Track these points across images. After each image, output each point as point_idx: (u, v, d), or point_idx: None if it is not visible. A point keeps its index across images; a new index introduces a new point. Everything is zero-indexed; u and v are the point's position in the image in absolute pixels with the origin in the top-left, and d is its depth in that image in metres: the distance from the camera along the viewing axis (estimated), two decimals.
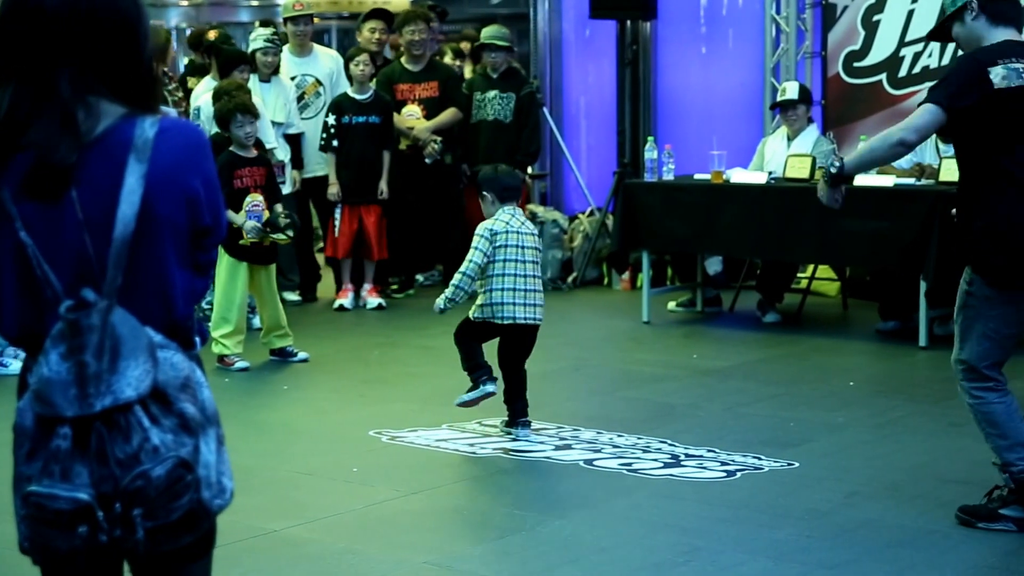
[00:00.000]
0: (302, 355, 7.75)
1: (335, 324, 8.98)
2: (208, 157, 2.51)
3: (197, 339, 2.53)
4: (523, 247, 5.98)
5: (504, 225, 5.98)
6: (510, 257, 5.94)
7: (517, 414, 6.06)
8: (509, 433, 6.06)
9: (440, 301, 6.10)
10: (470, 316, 6.04)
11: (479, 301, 6.00)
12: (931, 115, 4.59)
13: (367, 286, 9.42)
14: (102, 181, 2.37)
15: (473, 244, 5.99)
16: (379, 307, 9.33)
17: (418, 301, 9.76)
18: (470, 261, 5.96)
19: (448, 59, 10.78)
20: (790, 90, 8.73)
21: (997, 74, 4.50)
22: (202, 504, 2.36)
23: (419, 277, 10.15)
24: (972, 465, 5.48)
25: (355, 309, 9.34)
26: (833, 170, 4.79)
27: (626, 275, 9.82)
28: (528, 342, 6.08)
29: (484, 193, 6.14)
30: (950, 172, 7.68)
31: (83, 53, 2.40)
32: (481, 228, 6.01)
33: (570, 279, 10.06)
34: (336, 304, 9.37)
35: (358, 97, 9.26)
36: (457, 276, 6.01)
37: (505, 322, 5.95)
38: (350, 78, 9.39)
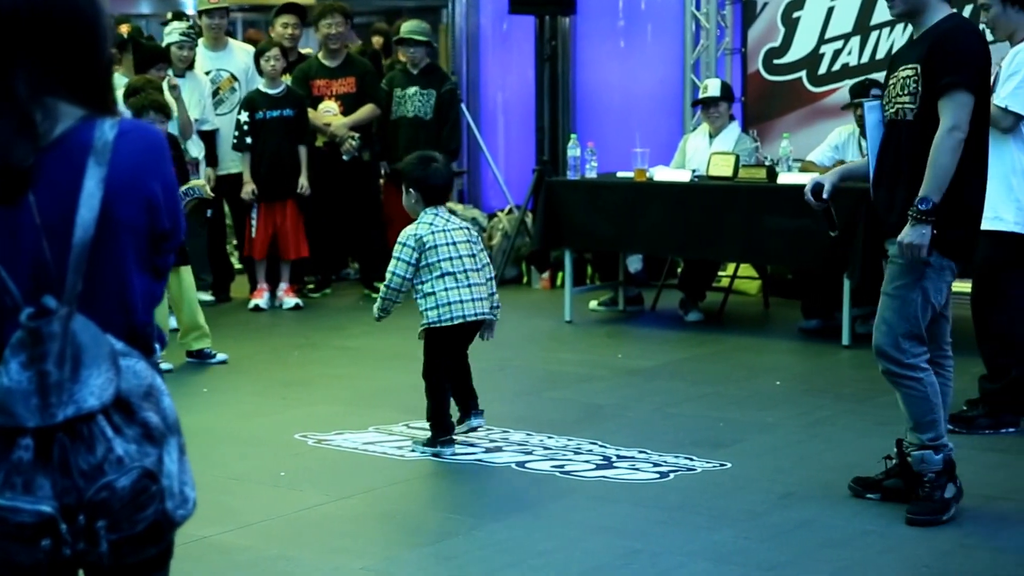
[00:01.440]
0: (221, 356, 7.59)
1: (251, 325, 8.83)
2: (167, 160, 2.45)
3: (157, 345, 2.48)
4: (454, 243, 5.74)
5: (428, 227, 5.73)
6: (443, 256, 5.70)
7: (470, 408, 5.93)
8: (467, 428, 5.92)
9: (374, 311, 5.96)
10: (421, 328, 5.82)
11: (423, 308, 5.79)
12: (969, 103, 4.59)
13: (283, 286, 9.28)
14: (60, 184, 2.30)
15: (395, 254, 5.74)
16: (296, 307, 9.19)
17: (335, 301, 9.67)
18: (393, 274, 5.72)
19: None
20: (712, 87, 8.73)
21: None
22: (166, 515, 2.31)
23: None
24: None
25: (271, 309, 9.20)
26: (924, 207, 4.60)
27: (546, 274, 9.77)
28: (472, 336, 5.91)
29: (409, 190, 5.86)
30: None
31: (40, 53, 2.32)
32: (404, 235, 5.74)
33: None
34: (251, 304, 9.21)
35: (270, 92, 9.11)
36: (383, 289, 5.80)
37: (455, 322, 5.74)
38: (260, 72, 9.22)
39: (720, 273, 9.26)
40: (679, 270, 9.44)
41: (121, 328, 2.35)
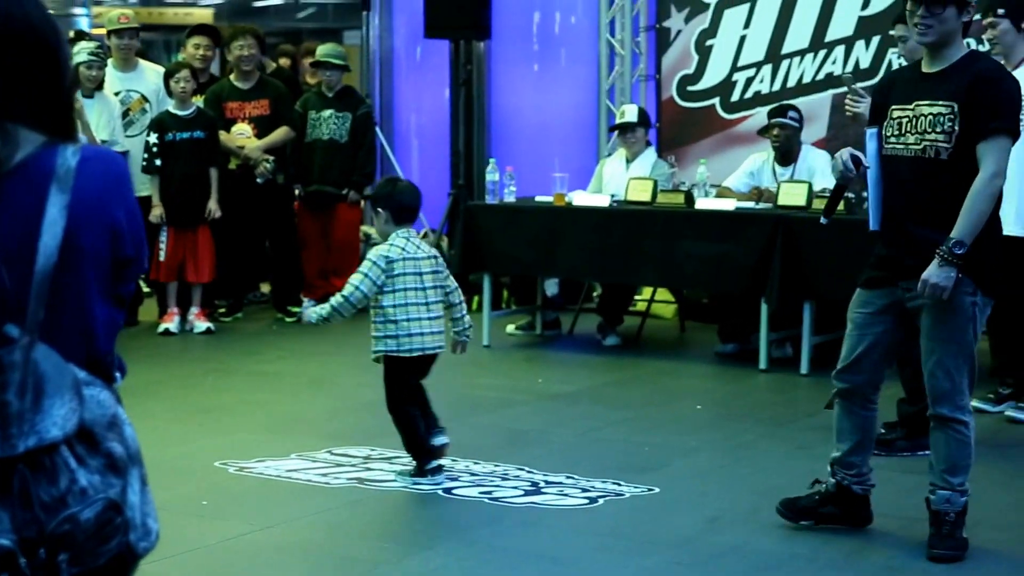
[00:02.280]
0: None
1: (162, 349, 8.69)
2: (129, 187, 2.42)
3: (118, 374, 2.43)
4: (421, 273, 5.67)
5: (400, 252, 5.65)
6: (410, 286, 5.63)
7: (431, 427, 5.79)
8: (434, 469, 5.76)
9: (313, 314, 5.79)
10: (376, 355, 5.73)
11: (380, 334, 5.69)
12: (1010, 148, 4.57)
13: (194, 309, 9.14)
14: (22, 211, 2.25)
15: (363, 269, 5.64)
16: (207, 331, 9.07)
17: (248, 325, 9.56)
18: (357, 288, 5.61)
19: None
20: (629, 113, 8.78)
21: None
22: (130, 547, 2.25)
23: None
24: None
25: (182, 333, 9.06)
26: (960, 251, 4.52)
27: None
28: (426, 371, 5.84)
29: (379, 210, 5.79)
30: (788, 196, 7.82)
31: (1, 78, 2.27)
32: (375, 254, 5.66)
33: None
34: (161, 328, 9.07)
35: (180, 113, 9.00)
36: (339, 298, 5.65)
37: (414, 354, 5.66)
38: (170, 94, 9.11)
39: (636, 298, 9.31)
40: (595, 294, 9.49)
41: (83, 357, 2.31)
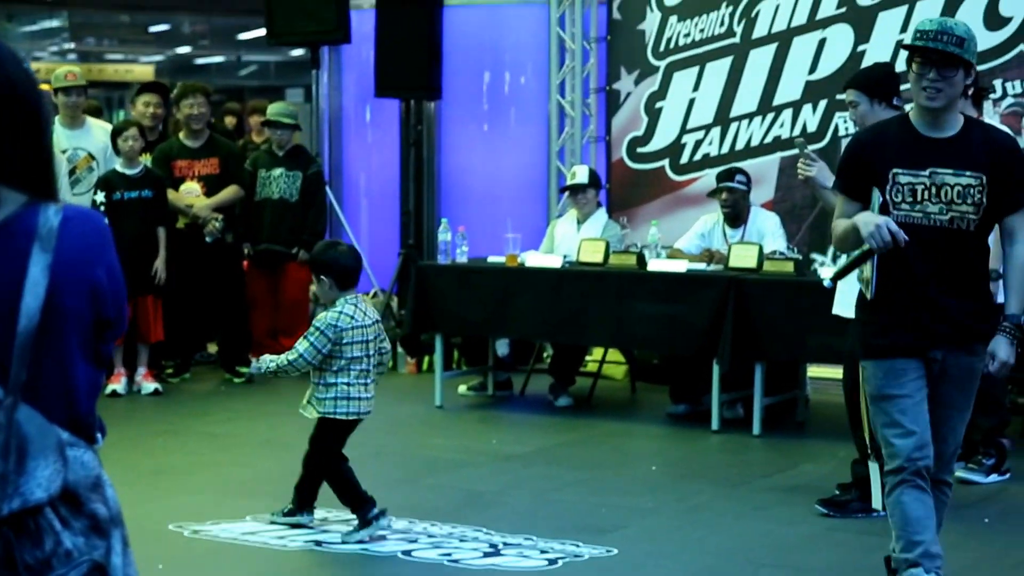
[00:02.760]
0: None
1: (109, 411, 8.55)
2: (111, 247, 2.41)
3: (99, 435, 2.41)
4: (367, 341, 5.68)
5: (349, 320, 5.63)
6: (357, 354, 5.64)
7: (368, 511, 5.75)
8: (367, 533, 5.73)
9: (261, 363, 5.75)
10: (315, 413, 5.71)
11: (321, 395, 5.69)
12: None
13: (141, 370, 9.05)
14: (4, 271, 2.25)
15: (310, 337, 5.61)
16: (155, 392, 8.98)
17: (196, 385, 9.49)
18: (300, 355, 5.60)
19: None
20: (580, 174, 8.85)
21: None
22: None
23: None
24: (781, 550, 5.67)
25: (129, 394, 8.96)
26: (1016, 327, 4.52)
27: (412, 358, 9.74)
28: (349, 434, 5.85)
29: (322, 278, 5.73)
30: (739, 258, 7.90)
31: None
32: (323, 322, 5.62)
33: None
34: (108, 389, 8.95)
35: (128, 172, 8.94)
36: (284, 360, 5.65)
37: (350, 417, 5.70)
38: (117, 152, 9.06)
39: (587, 358, 9.34)
40: (546, 355, 9.51)
41: (64, 418, 2.29)
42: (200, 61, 18.26)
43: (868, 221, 4.41)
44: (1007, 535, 5.84)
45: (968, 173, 4.46)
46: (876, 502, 5.41)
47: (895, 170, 4.50)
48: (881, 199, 4.51)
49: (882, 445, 4.60)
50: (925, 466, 4.53)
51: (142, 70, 17.27)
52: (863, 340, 4.66)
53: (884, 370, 4.56)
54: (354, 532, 5.74)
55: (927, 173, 4.49)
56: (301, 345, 5.64)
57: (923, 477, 4.53)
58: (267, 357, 5.81)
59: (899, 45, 4.75)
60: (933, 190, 4.48)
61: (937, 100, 4.44)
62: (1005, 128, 6.87)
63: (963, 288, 4.56)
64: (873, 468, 5.42)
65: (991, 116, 7.48)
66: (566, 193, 9.10)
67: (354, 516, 5.79)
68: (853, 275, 6.16)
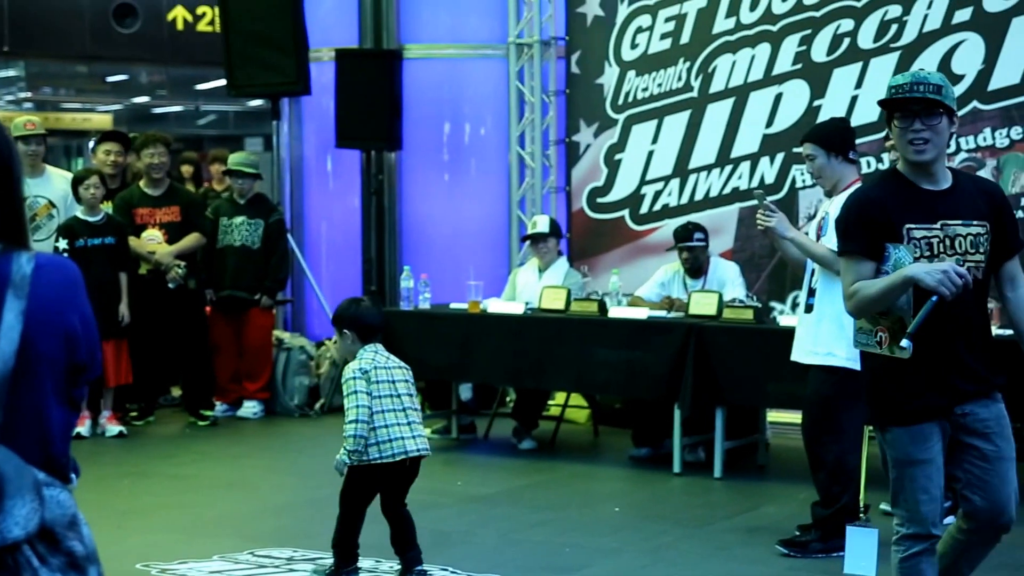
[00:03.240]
0: None
1: (75, 453, 8.48)
2: (83, 293, 2.50)
3: (73, 475, 2.50)
4: (394, 381, 5.68)
5: (371, 363, 5.67)
6: (384, 393, 5.62)
7: (411, 563, 5.69)
8: None
9: (342, 459, 5.57)
10: (338, 466, 5.60)
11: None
12: None
13: (106, 413, 9.08)
14: None
15: (349, 389, 5.59)
16: (120, 435, 9.01)
17: (160, 428, 9.52)
18: (357, 407, 5.54)
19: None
20: (541, 223, 8.99)
21: None
22: None
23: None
24: None
25: (93, 437, 8.98)
26: None
27: None
28: (414, 474, 5.75)
29: (345, 332, 5.77)
30: (699, 305, 8.03)
31: None
32: (350, 372, 5.64)
33: (317, 406, 9.99)
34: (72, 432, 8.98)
35: (90, 219, 8.99)
36: (350, 427, 5.53)
37: (397, 458, 5.58)
38: (79, 200, 9.11)
39: (550, 402, 9.43)
40: (508, 399, 9.61)
41: (39, 459, 2.36)
42: (158, 110, 18.33)
43: (929, 270, 4.17)
44: None
45: (975, 222, 4.36)
46: (851, 567, 5.25)
47: (908, 225, 4.32)
48: (907, 254, 4.30)
49: (904, 510, 4.38)
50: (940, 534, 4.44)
51: (100, 119, 17.36)
52: (890, 405, 4.41)
53: (912, 435, 4.36)
54: (323, 573, 5.77)
55: (938, 226, 4.34)
56: (349, 404, 5.58)
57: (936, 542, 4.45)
58: (337, 459, 5.60)
59: (879, 103, 4.61)
60: (947, 242, 4.33)
61: (926, 152, 4.31)
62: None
63: (981, 340, 4.44)
64: (851, 531, 5.38)
65: None
66: (527, 242, 9.23)
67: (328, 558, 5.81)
68: (811, 319, 6.31)
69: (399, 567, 5.76)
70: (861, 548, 5.07)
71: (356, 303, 5.93)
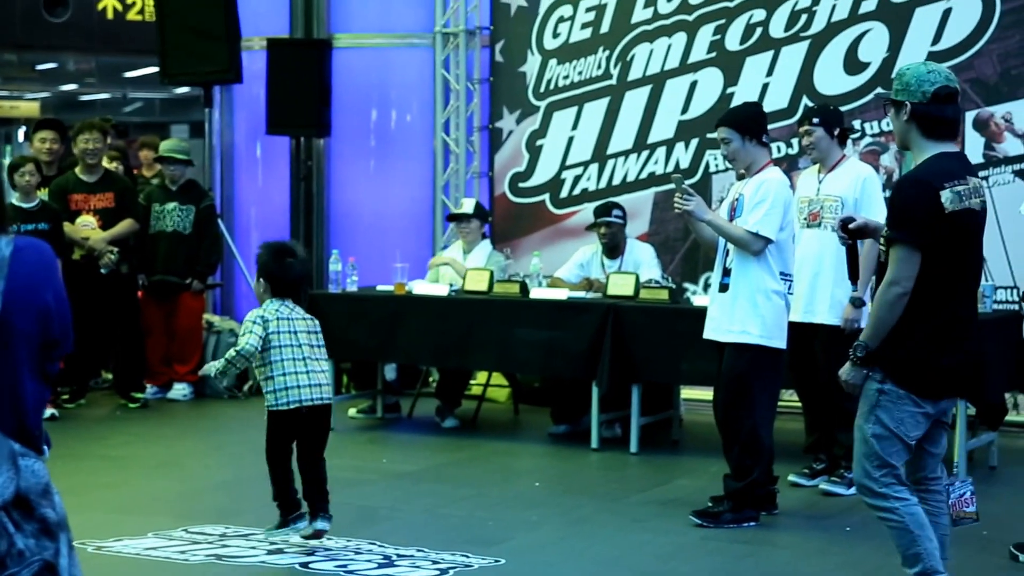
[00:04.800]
0: None
1: None
2: (57, 273, 2.67)
3: (45, 447, 2.65)
4: (295, 332, 5.92)
5: (274, 313, 5.90)
6: (285, 343, 5.87)
7: (318, 510, 5.96)
8: (311, 531, 5.97)
9: (210, 368, 5.97)
10: (220, 369, 5.93)
11: (266, 389, 5.93)
12: (912, 258, 4.51)
13: None
14: None
15: (246, 330, 5.87)
16: (52, 417, 9.12)
17: (91, 411, 9.64)
18: (247, 343, 5.81)
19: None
20: (467, 205, 9.24)
21: (947, 198, 4.49)
22: None
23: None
24: (659, 559, 5.95)
25: None
26: (861, 354, 4.58)
27: None
28: (322, 426, 6.01)
29: (261, 279, 6.01)
30: (616, 286, 8.29)
31: None
32: (251, 316, 5.90)
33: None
34: None
35: (24, 205, 9.11)
36: (232, 352, 5.87)
37: (291, 406, 5.86)
38: (14, 187, 9.22)
39: (472, 382, 9.66)
40: (431, 379, 9.83)
41: (13, 430, 2.50)
42: (85, 97, 18.34)
43: None
44: (866, 543, 6.15)
45: None
46: None
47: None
48: None
49: None
50: None
51: (27, 106, 17.38)
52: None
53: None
54: (272, 529, 6.02)
55: None
56: (241, 336, 5.88)
57: None
58: (210, 364, 6.02)
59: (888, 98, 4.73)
60: None
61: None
62: (866, 164, 7.42)
63: None
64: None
65: (852, 154, 7.97)
66: (452, 224, 9.45)
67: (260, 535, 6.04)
68: (726, 298, 6.48)
69: (331, 540, 6.00)
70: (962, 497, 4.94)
71: (279, 256, 6.03)
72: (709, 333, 6.59)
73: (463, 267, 8.95)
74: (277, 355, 5.88)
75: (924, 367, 4.58)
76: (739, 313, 6.40)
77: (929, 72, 4.60)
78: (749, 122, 6.47)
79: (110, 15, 15.09)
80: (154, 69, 10.94)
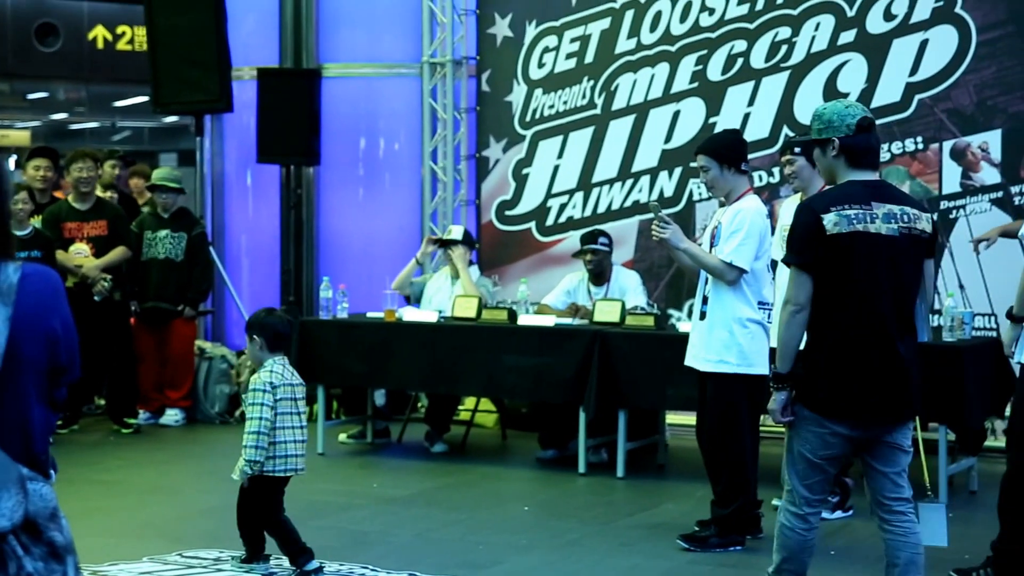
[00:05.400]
0: None
1: None
2: (64, 300, 2.68)
3: (52, 471, 2.69)
4: (296, 399, 5.99)
5: (280, 378, 5.95)
6: (286, 410, 5.92)
7: (306, 561, 5.98)
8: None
9: (238, 472, 5.94)
10: (241, 477, 5.92)
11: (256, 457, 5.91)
12: (800, 278, 4.71)
13: None
14: None
15: (254, 400, 5.88)
16: None
17: (84, 436, 9.71)
18: (260, 419, 5.84)
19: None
20: (455, 232, 9.37)
21: (829, 220, 4.65)
22: None
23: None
24: None
25: None
26: (771, 376, 4.82)
27: None
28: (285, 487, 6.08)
29: (254, 337, 6.05)
30: (603, 313, 8.41)
31: None
32: (258, 382, 5.93)
33: (237, 413, 10.23)
34: None
35: (18, 234, 9.21)
36: (251, 438, 5.86)
37: (288, 473, 5.93)
38: None
39: (460, 408, 9.77)
40: (420, 405, 9.95)
41: (21, 455, 2.53)
42: (75, 126, 18.47)
43: None
44: (852, 566, 6.25)
45: None
46: (926, 539, 5.02)
47: None
48: None
49: None
50: None
51: (17, 135, 17.51)
52: None
53: None
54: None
55: None
56: (253, 412, 5.87)
57: None
58: (237, 468, 5.95)
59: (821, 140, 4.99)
60: None
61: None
62: None
63: None
64: (922, 507, 5.17)
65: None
66: (440, 249, 9.57)
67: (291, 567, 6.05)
68: (704, 327, 6.59)
69: (323, 564, 6.08)
70: (932, 522, 5.09)
71: (269, 312, 6.24)
72: (690, 361, 6.66)
73: (471, 283, 9.07)
74: (280, 421, 5.92)
75: (817, 387, 4.73)
76: (716, 343, 6.49)
77: (847, 107, 4.84)
78: (727, 150, 6.51)
79: (100, 45, 15.21)
80: (144, 98, 11.07)
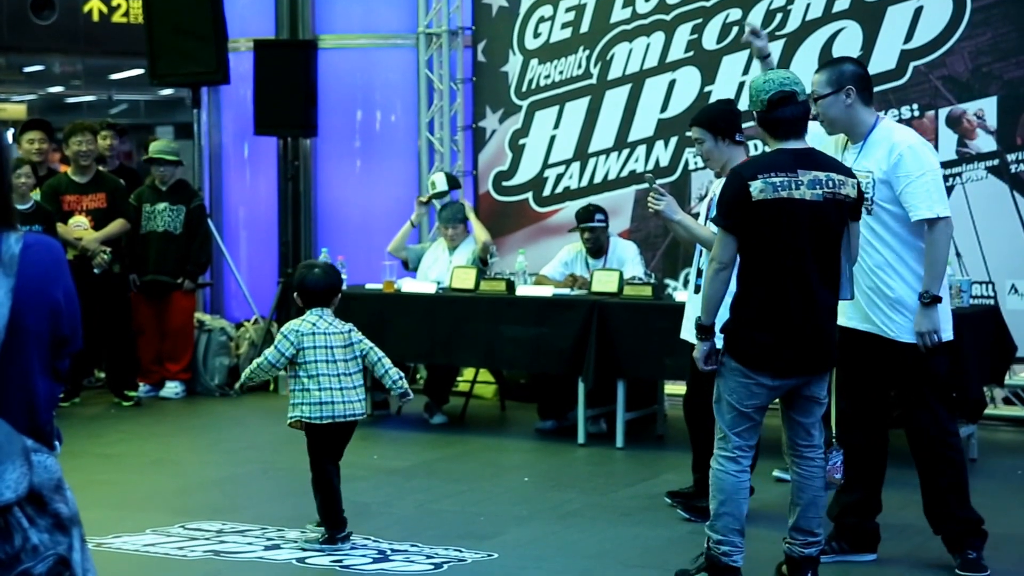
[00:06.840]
0: None
1: None
2: (67, 271, 2.67)
3: (56, 442, 2.68)
4: (331, 347, 6.05)
5: (310, 326, 6.05)
6: (320, 358, 6.01)
7: (337, 532, 6.10)
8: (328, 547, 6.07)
9: (242, 377, 6.30)
10: (290, 421, 6.09)
11: (295, 401, 6.05)
12: (726, 239, 5.06)
13: None
14: None
15: (276, 341, 6.06)
16: None
17: (86, 409, 9.76)
18: (266, 357, 6.03)
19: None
20: (439, 182, 9.51)
21: (756, 188, 4.95)
22: None
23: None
24: (648, 552, 6.09)
25: None
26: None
27: None
28: (345, 439, 6.18)
29: (295, 295, 6.23)
30: (601, 283, 8.45)
31: None
32: (287, 327, 6.08)
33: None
34: None
35: (20, 207, 9.24)
36: (255, 362, 6.12)
37: (324, 421, 6.02)
38: None
39: (459, 379, 9.82)
40: (419, 376, 9.99)
41: (26, 427, 2.52)
42: (71, 99, 18.50)
43: None
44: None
45: None
46: None
47: None
48: None
49: None
50: None
51: (14, 108, 17.53)
52: None
53: None
54: (314, 541, 6.13)
55: None
56: (268, 349, 6.06)
57: None
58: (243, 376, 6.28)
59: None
60: None
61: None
62: None
63: None
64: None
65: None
66: (437, 223, 9.58)
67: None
68: (699, 299, 6.61)
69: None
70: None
71: (307, 269, 6.29)
72: (685, 333, 6.66)
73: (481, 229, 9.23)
74: (313, 369, 6.02)
75: (743, 340, 5.10)
76: None
77: (764, 82, 5.10)
78: (721, 121, 6.44)
79: (96, 17, 15.20)
80: (140, 71, 11.07)
